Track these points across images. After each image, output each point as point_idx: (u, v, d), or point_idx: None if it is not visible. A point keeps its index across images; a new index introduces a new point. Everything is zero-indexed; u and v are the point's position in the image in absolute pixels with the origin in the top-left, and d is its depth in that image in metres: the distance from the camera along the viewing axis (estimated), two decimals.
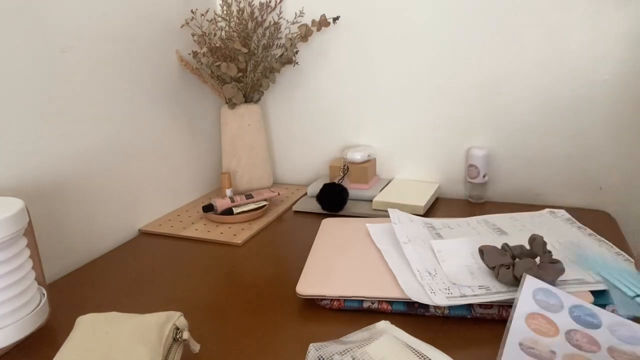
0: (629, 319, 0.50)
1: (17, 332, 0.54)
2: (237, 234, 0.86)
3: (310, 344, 0.47)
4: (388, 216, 0.78)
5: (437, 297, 0.57)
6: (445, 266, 0.64)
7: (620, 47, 0.84)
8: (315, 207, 0.95)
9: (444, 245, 0.69)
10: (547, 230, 0.74)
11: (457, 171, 1.02)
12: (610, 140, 0.89)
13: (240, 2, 1.02)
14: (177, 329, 0.50)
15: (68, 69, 0.74)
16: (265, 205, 0.95)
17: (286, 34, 1.03)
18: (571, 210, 0.86)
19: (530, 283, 0.54)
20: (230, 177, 0.98)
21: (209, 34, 0.94)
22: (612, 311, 0.56)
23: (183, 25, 0.98)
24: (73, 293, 0.69)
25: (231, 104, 1.00)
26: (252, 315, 0.62)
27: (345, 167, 1.00)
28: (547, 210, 0.82)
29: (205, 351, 0.55)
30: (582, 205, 0.93)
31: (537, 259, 0.59)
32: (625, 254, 0.65)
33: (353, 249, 0.72)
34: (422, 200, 0.92)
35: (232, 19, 0.97)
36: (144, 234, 0.90)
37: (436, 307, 0.59)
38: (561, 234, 0.72)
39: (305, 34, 1.00)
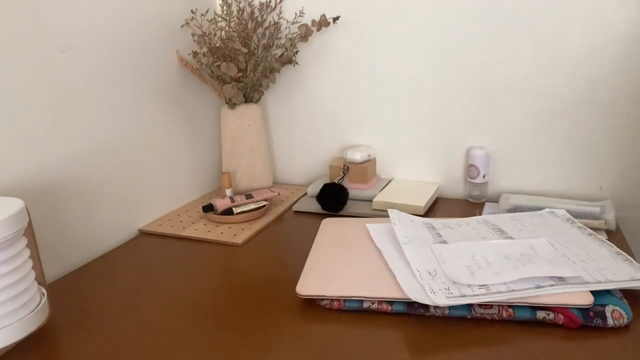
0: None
1: (17, 332, 0.54)
2: (237, 234, 0.86)
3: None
4: (388, 216, 0.78)
5: (437, 297, 0.57)
6: (446, 266, 0.64)
7: (620, 47, 0.84)
8: (315, 207, 0.95)
9: (445, 247, 0.69)
10: (547, 230, 0.74)
11: (457, 171, 1.02)
12: (610, 140, 0.89)
13: (240, 2, 1.02)
14: None
15: (68, 69, 0.74)
16: (265, 205, 0.95)
17: (286, 34, 1.03)
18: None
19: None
20: (230, 177, 0.98)
21: (209, 34, 0.94)
22: (613, 312, 0.56)
23: (183, 25, 0.98)
24: (73, 293, 0.69)
25: (231, 104, 1.00)
26: (252, 315, 0.62)
27: (345, 167, 1.00)
28: (547, 210, 0.82)
29: (205, 351, 0.55)
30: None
31: None
32: (625, 254, 0.65)
33: (353, 249, 0.72)
34: (422, 200, 0.92)
35: (232, 19, 0.97)
36: (144, 234, 0.90)
37: (436, 307, 0.59)
38: (561, 234, 0.72)
39: (305, 34, 1.00)
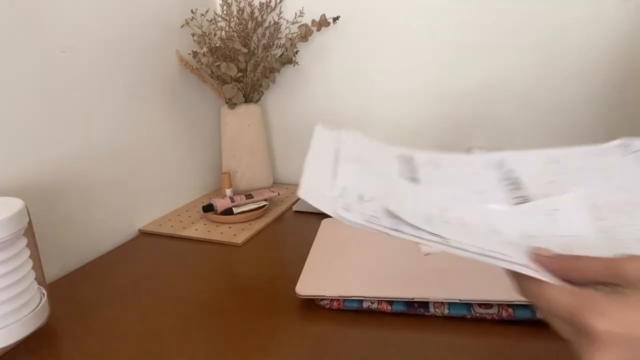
0: None
1: (17, 332, 0.54)
2: (237, 234, 0.86)
3: None
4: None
5: (349, 214, 0.39)
6: (392, 202, 0.41)
7: (620, 46, 0.84)
8: (315, 207, 0.95)
9: (407, 186, 0.46)
10: (600, 183, 0.44)
11: None
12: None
13: (240, 2, 1.02)
14: None
15: (68, 69, 0.74)
16: (265, 205, 0.95)
17: (286, 34, 1.03)
18: None
19: None
20: (230, 177, 0.98)
21: (209, 34, 0.94)
22: None
23: (183, 25, 0.98)
24: (73, 293, 0.69)
25: (231, 104, 1.00)
26: (252, 315, 0.62)
27: None
28: (617, 142, 0.49)
29: (205, 351, 0.55)
30: None
31: None
32: None
33: (353, 249, 0.72)
34: None
35: (232, 19, 0.97)
36: (144, 234, 0.90)
37: (436, 307, 0.59)
38: (627, 186, 0.42)
39: (305, 34, 1.00)
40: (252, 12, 0.99)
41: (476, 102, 0.96)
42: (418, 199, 0.45)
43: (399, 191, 0.45)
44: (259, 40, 1.01)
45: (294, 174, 1.17)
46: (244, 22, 0.97)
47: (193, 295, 0.67)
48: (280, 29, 1.02)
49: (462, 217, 0.43)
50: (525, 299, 0.35)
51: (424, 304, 0.59)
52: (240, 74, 0.97)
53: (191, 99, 1.03)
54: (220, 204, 0.93)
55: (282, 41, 1.03)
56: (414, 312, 0.60)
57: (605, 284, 0.33)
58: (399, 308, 0.60)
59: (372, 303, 0.61)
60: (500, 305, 0.58)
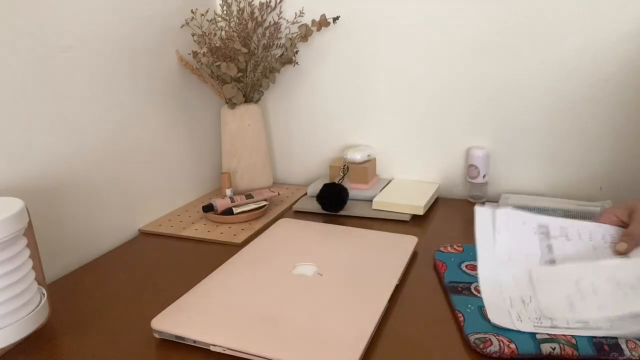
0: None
1: (17, 332, 0.54)
2: (237, 234, 0.86)
3: None
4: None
5: (523, 324, 0.54)
6: (542, 296, 0.57)
7: (620, 47, 0.84)
8: (315, 207, 0.95)
9: (547, 272, 0.61)
10: None
11: (457, 171, 1.02)
12: (610, 140, 0.89)
13: (240, 2, 1.02)
14: None
15: (68, 69, 0.74)
16: (265, 205, 0.95)
17: (286, 34, 1.03)
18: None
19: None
20: (230, 177, 0.98)
21: (209, 34, 0.94)
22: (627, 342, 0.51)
23: (183, 25, 0.98)
24: (73, 293, 0.69)
25: (231, 104, 1.00)
26: None
27: (345, 167, 1.00)
28: None
29: (205, 352, 0.55)
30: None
31: None
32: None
33: None
34: (422, 200, 0.92)
35: (232, 19, 0.97)
36: (144, 234, 0.90)
37: (632, 350, 0.50)
38: None
39: (305, 34, 1.00)
40: (252, 12, 0.99)
41: (477, 101, 0.96)
42: (556, 282, 0.59)
43: (541, 284, 0.60)
44: (259, 40, 1.01)
45: (294, 174, 1.17)
46: (244, 22, 0.97)
47: None
48: (280, 29, 1.02)
49: (592, 282, 0.57)
50: None
51: (616, 347, 0.51)
52: (240, 74, 0.97)
53: (191, 99, 1.03)
54: (220, 204, 0.93)
55: (282, 41, 1.03)
56: (604, 356, 0.50)
57: None
58: (587, 352, 0.51)
59: (554, 349, 0.51)
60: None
